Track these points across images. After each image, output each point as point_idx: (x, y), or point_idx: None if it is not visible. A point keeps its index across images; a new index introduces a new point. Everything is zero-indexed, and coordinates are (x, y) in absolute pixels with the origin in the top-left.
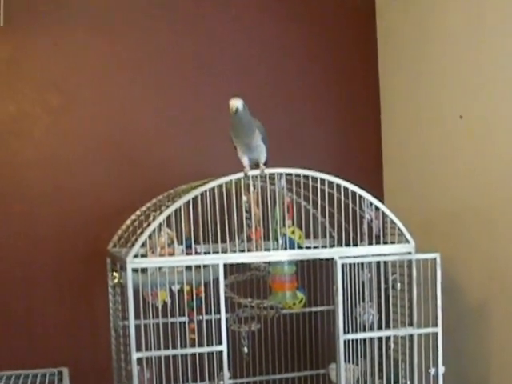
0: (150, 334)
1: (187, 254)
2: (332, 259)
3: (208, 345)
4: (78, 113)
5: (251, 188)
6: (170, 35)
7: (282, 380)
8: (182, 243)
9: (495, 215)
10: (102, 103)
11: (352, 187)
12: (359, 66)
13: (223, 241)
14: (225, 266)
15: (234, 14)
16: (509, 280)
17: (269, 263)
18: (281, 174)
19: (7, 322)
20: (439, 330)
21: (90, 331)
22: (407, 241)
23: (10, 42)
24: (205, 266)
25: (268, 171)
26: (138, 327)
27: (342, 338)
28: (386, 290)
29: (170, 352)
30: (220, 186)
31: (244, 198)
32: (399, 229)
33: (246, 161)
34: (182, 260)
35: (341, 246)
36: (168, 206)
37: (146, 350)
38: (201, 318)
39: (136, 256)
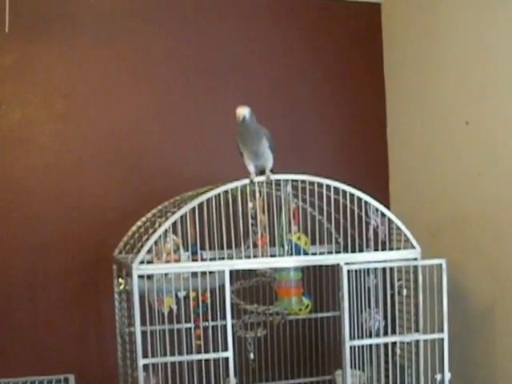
0: (156, 340)
1: (193, 260)
2: (338, 265)
3: (214, 351)
4: (82, 119)
5: (257, 194)
6: (176, 42)
7: None
8: (187, 249)
9: (501, 221)
10: (107, 109)
11: (358, 193)
12: (365, 73)
13: (229, 247)
14: (231, 272)
15: (240, 22)
16: None
17: (275, 269)
18: (287, 181)
19: (13, 328)
20: (445, 335)
21: (96, 338)
22: (413, 247)
23: (15, 49)
24: (211, 273)
25: (274, 177)
26: (144, 333)
27: (348, 344)
28: (392, 295)
29: (176, 358)
30: (226, 193)
31: (250, 205)
32: (405, 235)
33: (252, 168)
34: (187, 266)
35: (347, 252)
36: (174, 213)
37: (152, 356)
38: (207, 324)
39: (142, 262)
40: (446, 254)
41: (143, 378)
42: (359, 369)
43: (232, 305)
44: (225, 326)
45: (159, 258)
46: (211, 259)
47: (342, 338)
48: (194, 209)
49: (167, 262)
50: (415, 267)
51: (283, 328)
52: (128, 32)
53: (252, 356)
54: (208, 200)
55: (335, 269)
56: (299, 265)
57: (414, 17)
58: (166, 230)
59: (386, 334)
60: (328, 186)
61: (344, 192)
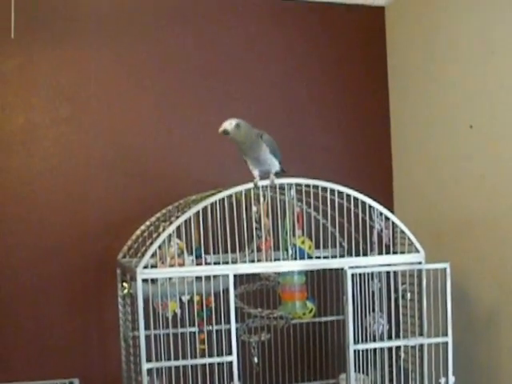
0: (160, 344)
1: (197, 264)
2: (342, 269)
3: (218, 355)
4: (86, 123)
5: (261, 198)
6: (181, 46)
7: None
8: (191, 253)
9: (505, 225)
10: (111, 114)
11: (362, 197)
12: (368, 77)
13: (233, 251)
14: (235, 276)
15: (243, 28)
16: None
17: (279, 273)
18: (291, 184)
19: (18, 332)
20: (449, 339)
21: (100, 342)
22: (417, 250)
23: (20, 54)
24: (215, 277)
25: (278, 181)
26: (148, 338)
27: (352, 347)
28: (396, 299)
29: (180, 362)
30: (230, 197)
31: (254, 209)
32: (409, 239)
33: (256, 172)
34: (191, 270)
35: (351, 255)
36: (178, 217)
37: (156, 360)
38: (211, 328)
39: (146, 266)
40: (450, 258)
41: (147, 383)
42: (363, 373)
43: (236, 309)
44: (229, 330)
45: (163, 262)
46: (215, 263)
47: (346, 341)
48: (198, 213)
49: (171, 266)
50: (419, 271)
51: (287, 332)
52: (132, 36)
53: (256, 360)
54: (212, 204)
55: (339, 273)
56: (303, 269)
57: (417, 20)
58: (170, 234)
59: (390, 337)
60: (332, 190)
61: (348, 196)
